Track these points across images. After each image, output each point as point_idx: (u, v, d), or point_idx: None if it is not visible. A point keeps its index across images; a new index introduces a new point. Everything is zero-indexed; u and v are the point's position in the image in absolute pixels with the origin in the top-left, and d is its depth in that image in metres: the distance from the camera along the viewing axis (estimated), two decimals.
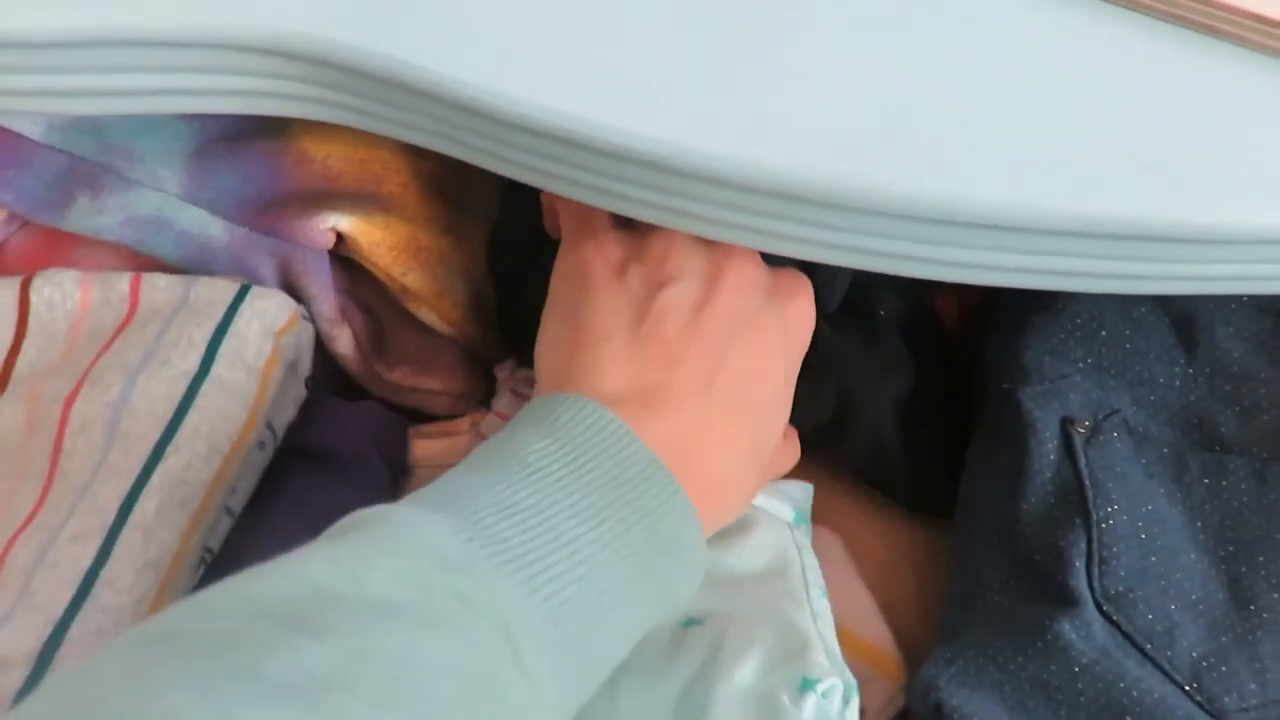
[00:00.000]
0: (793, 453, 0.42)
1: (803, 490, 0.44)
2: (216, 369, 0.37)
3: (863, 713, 0.42)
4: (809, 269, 0.39)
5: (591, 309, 0.35)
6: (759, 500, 0.42)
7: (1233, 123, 0.31)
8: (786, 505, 0.43)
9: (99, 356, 0.38)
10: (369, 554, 0.26)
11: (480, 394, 0.49)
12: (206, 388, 0.36)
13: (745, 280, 0.36)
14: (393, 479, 0.44)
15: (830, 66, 0.32)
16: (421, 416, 0.48)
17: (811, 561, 0.40)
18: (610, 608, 0.29)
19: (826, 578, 0.42)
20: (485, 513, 0.29)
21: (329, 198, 0.44)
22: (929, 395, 0.45)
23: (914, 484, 0.45)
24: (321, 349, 0.45)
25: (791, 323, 0.37)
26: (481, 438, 0.44)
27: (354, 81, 0.34)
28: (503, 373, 0.48)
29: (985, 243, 0.31)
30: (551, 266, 0.39)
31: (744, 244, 0.33)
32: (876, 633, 0.44)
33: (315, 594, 0.24)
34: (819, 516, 0.45)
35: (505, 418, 0.45)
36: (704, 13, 0.33)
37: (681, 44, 0.32)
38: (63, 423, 0.36)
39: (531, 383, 0.45)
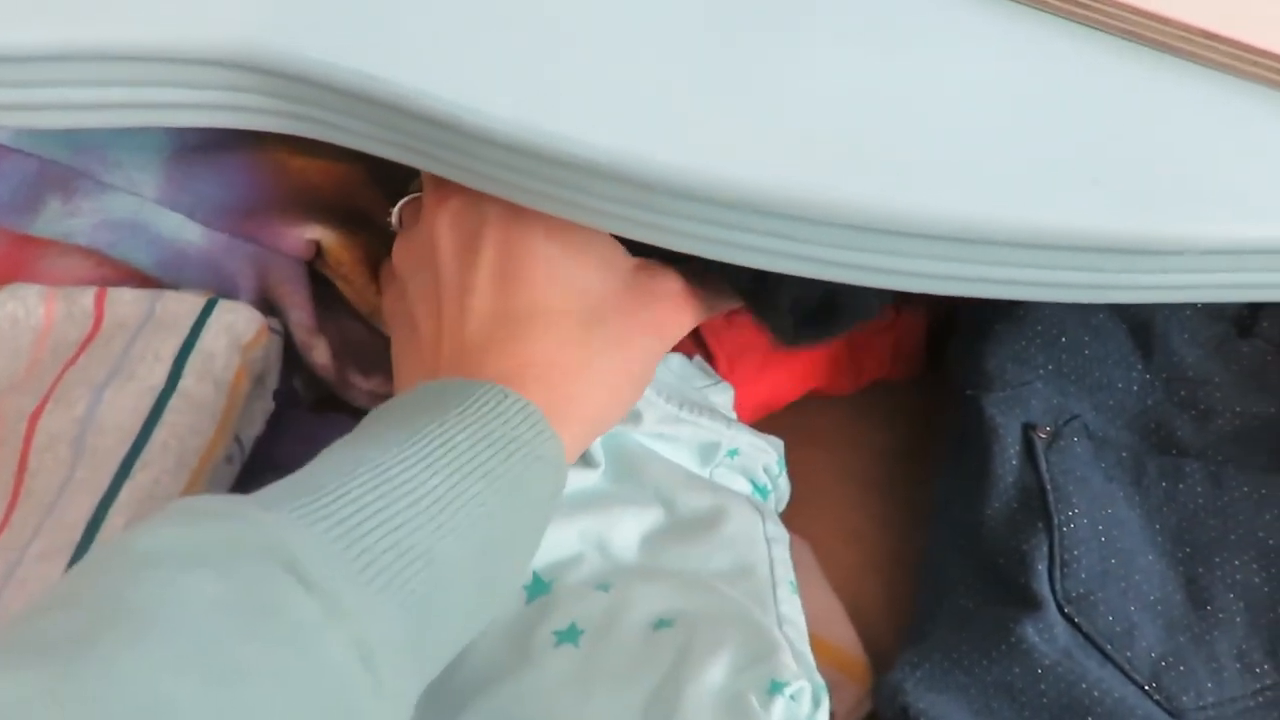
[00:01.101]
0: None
1: (777, 443, 0.45)
2: (184, 383, 0.37)
3: (831, 715, 0.43)
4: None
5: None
6: (744, 441, 0.43)
7: (1183, 137, 0.32)
8: (772, 451, 0.44)
9: (64, 372, 0.38)
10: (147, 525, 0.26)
11: None
12: (174, 402, 0.36)
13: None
14: None
15: (795, 84, 0.32)
16: None
17: (781, 555, 0.41)
18: (425, 517, 0.29)
19: (797, 583, 0.43)
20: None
21: (309, 208, 0.44)
22: None
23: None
24: (292, 360, 0.45)
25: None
26: None
27: (323, 96, 0.34)
28: None
29: (946, 254, 0.32)
30: None
31: (712, 255, 0.33)
32: (844, 637, 0.45)
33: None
34: (786, 522, 0.46)
35: None
36: (672, 31, 0.34)
37: (650, 60, 0.33)
38: (28, 440, 0.36)
39: None
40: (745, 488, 0.44)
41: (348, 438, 0.33)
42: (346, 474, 0.29)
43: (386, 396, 0.48)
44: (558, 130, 0.31)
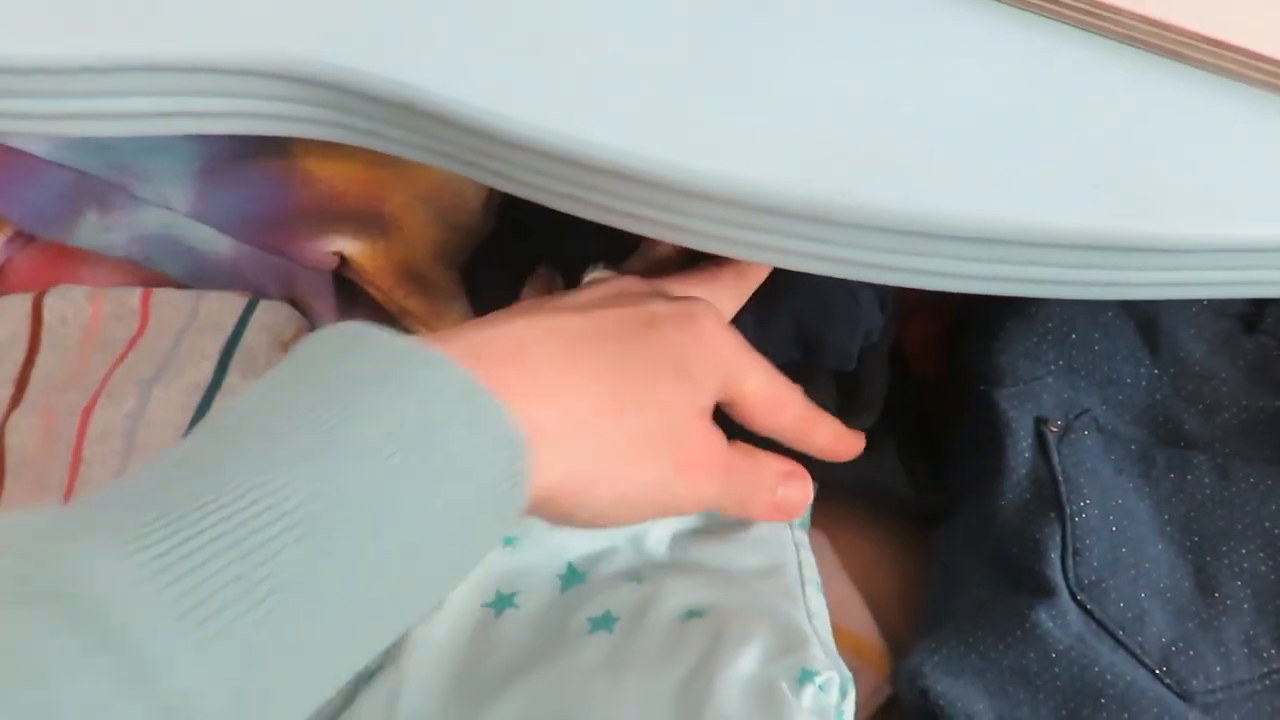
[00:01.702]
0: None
1: None
2: (229, 379, 0.39)
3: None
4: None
5: None
6: None
7: (1184, 140, 0.33)
8: None
9: (113, 369, 0.39)
10: None
11: None
12: (221, 398, 0.38)
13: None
14: None
15: (812, 91, 0.34)
16: None
17: (809, 559, 0.42)
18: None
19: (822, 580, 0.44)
20: None
21: (333, 218, 0.46)
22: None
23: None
24: None
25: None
26: None
27: (361, 104, 0.35)
28: None
29: (958, 253, 0.33)
30: None
31: (735, 255, 0.34)
32: (862, 625, 0.46)
33: None
34: None
35: None
36: (690, 36, 0.35)
37: (674, 69, 0.34)
38: (81, 433, 0.37)
39: None
40: None
41: (226, 410, 0.24)
42: (191, 489, 0.22)
43: None
44: (582, 135, 0.33)
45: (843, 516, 0.50)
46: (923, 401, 0.51)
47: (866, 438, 0.46)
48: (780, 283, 0.41)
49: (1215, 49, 0.34)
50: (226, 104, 0.37)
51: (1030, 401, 0.45)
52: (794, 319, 0.43)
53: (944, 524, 0.45)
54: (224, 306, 0.41)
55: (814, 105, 0.34)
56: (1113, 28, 0.35)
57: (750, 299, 0.44)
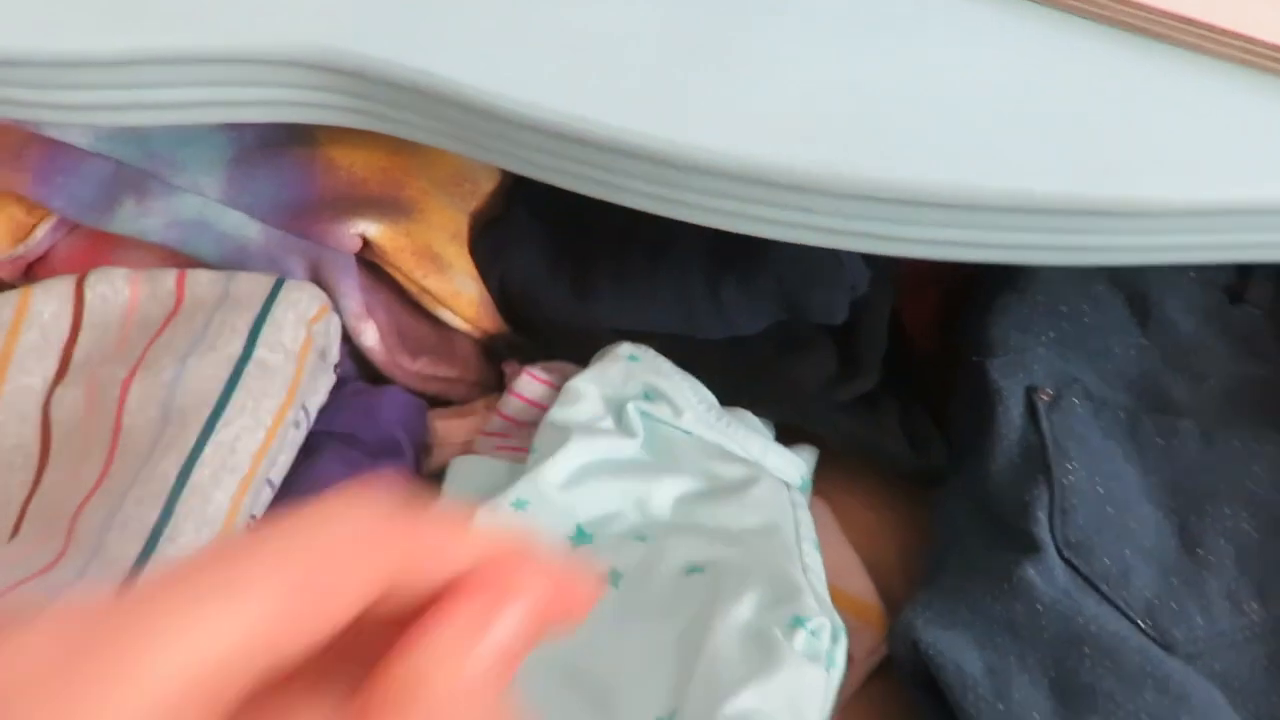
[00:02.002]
0: None
1: (811, 453, 0.48)
2: (258, 352, 0.41)
3: (850, 659, 0.46)
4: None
5: None
6: (772, 461, 0.46)
7: (1159, 111, 0.35)
8: (797, 471, 0.46)
9: (150, 344, 0.42)
10: None
11: (493, 382, 0.53)
12: (250, 369, 0.40)
13: None
14: (416, 457, 0.48)
15: (802, 69, 0.36)
16: (440, 403, 0.52)
17: (805, 518, 0.44)
18: None
19: (822, 545, 0.46)
20: None
21: (356, 203, 0.48)
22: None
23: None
24: (349, 342, 0.49)
25: None
26: (496, 415, 0.48)
27: (382, 91, 0.38)
28: (510, 368, 0.52)
29: (942, 220, 0.35)
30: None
31: (727, 227, 0.37)
32: (861, 587, 0.48)
33: None
34: None
35: (506, 418, 0.49)
36: (689, 23, 0.37)
37: (673, 50, 0.37)
38: (121, 402, 0.40)
39: (534, 377, 0.48)
40: (796, 479, 0.47)
41: None
42: None
43: (432, 378, 0.52)
44: (583, 113, 0.35)
45: (846, 486, 0.52)
46: (923, 374, 0.53)
47: (868, 402, 0.48)
48: (762, 248, 0.43)
49: (1186, 26, 0.36)
50: (256, 93, 0.40)
51: (1022, 371, 0.47)
52: (778, 281, 0.45)
53: (942, 488, 0.47)
54: (253, 286, 0.44)
55: (802, 82, 0.36)
56: (1089, 8, 0.37)
57: (733, 266, 0.46)
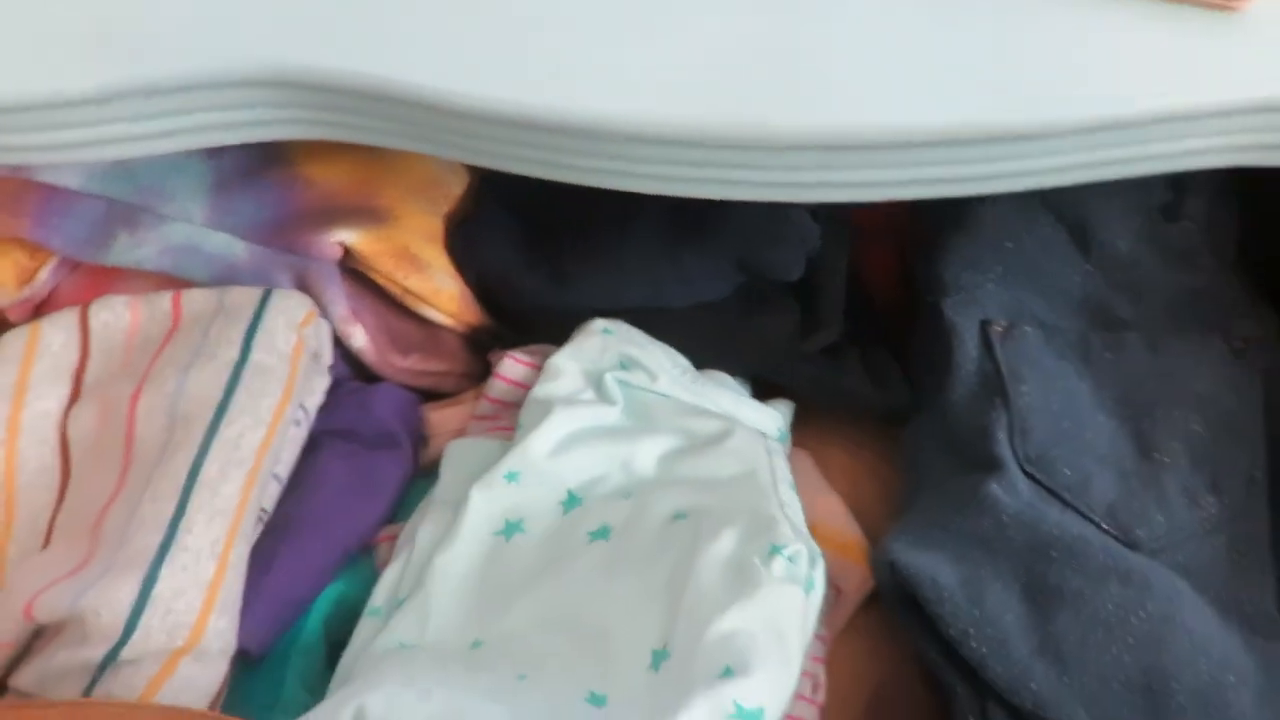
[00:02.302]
0: None
1: (787, 406, 0.51)
2: (254, 356, 0.44)
3: (839, 593, 0.48)
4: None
5: None
6: (749, 416, 0.48)
7: (1047, 42, 0.38)
8: (773, 423, 0.49)
9: (153, 361, 0.45)
10: None
11: (481, 372, 0.56)
12: (247, 371, 0.43)
13: None
14: (413, 447, 0.51)
15: (717, 28, 0.38)
16: (434, 396, 0.55)
17: (781, 463, 0.47)
18: None
19: (799, 487, 0.49)
20: None
21: (334, 215, 0.51)
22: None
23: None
24: (341, 345, 0.52)
25: None
26: (484, 400, 0.51)
27: (335, 99, 0.41)
28: (495, 357, 0.54)
29: (874, 161, 0.38)
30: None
31: (667, 191, 0.39)
32: (846, 527, 0.50)
33: None
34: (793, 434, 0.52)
35: (493, 401, 0.52)
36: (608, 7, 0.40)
37: (594, 27, 0.39)
38: (130, 416, 0.43)
39: (517, 360, 0.51)
40: (774, 430, 0.49)
41: None
42: None
43: (423, 372, 0.55)
44: (520, 98, 0.38)
45: (826, 437, 0.54)
46: (886, 322, 0.55)
47: (832, 351, 0.51)
48: (717, 215, 0.46)
49: None
50: (226, 116, 0.42)
51: (974, 306, 0.49)
52: (728, 245, 0.48)
53: (909, 425, 0.50)
54: (244, 298, 0.47)
55: (718, 41, 0.38)
56: None
57: (692, 236, 0.49)
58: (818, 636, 0.43)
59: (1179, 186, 0.50)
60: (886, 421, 0.50)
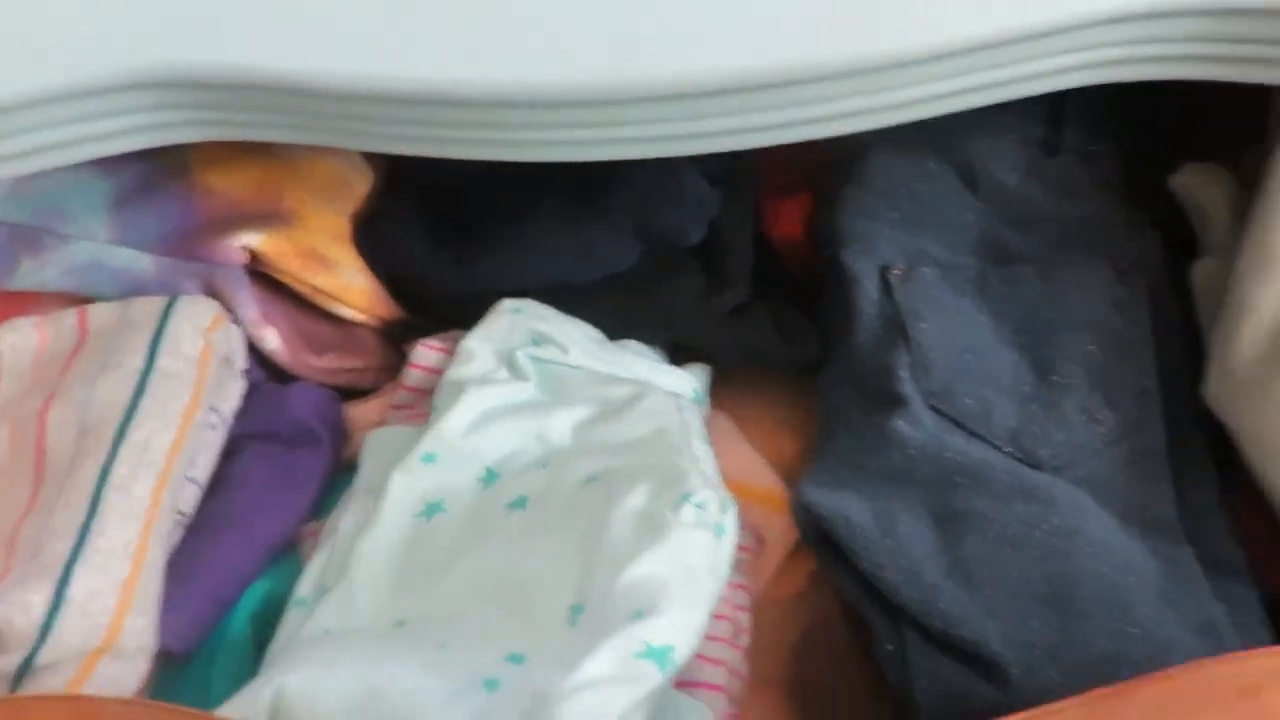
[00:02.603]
0: None
1: (703, 370, 0.52)
2: (159, 363, 0.44)
3: (763, 543, 0.49)
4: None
5: None
6: (664, 380, 0.49)
7: None
8: (688, 385, 0.50)
9: (61, 375, 0.45)
10: None
11: (399, 365, 0.56)
12: (153, 377, 0.44)
13: None
14: (334, 444, 0.51)
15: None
16: (357, 394, 0.55)
17: (694, 421, 0.47)
18: None
19: (718, 445, 0.49)
20: None
21: (237, 221, 0.52)
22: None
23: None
24: (257, 349, 0.52)
25: None
26: (400, 389, 0.51)
27: (218, 96, 0.41)
28: (409, 347, 0.55)
29: (726, 109, 0.38)
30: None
31: (545, 158, 0.40)
32: (767, 480, 0.51)
33: None
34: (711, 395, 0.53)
35: (410, 389, 0.52)
36: None
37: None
38: (41, 430, 0.43)
39: (430, 347, 0.52)
40: (689, 392, 0.50)
41: None
42: None
43: (340, 370, 0.55)
44: (386, 71, 0.38)
45: (746, 399, 0.55)
46: (797, 279, 0.56)
47: (742, 311, 0.52)
48: (610, 184, 0.46)
49: None
50: (113, 124, 0.43)
51: (872, 254, 0.50)
52: (625, 215, 0.49)
53: (820, 375, 0.50)
54: (149, 307, 0.47)
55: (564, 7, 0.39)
56: None
57: (589, 208, 0.50)
58: (740, 585, 0.44)
59: (1055, 122, 0.52)
60: (800, 374, 0.51)
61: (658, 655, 0.34)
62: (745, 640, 0.42)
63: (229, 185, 0.53)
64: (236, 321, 0.51)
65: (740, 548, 0.46)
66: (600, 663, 0.33)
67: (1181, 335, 0.47)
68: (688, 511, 0.40)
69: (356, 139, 0.42)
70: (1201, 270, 0.47)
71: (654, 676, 0.33)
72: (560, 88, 0.37)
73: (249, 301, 0.51)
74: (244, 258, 0.51)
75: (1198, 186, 0.48)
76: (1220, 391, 0.42)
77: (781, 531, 0.49)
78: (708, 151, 0.40)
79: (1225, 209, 0.46)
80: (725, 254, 0.52)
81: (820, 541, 0.44)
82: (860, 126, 0.40)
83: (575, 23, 0.39)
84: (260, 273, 0.53)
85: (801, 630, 0.45)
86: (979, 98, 0.40)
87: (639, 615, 0.35)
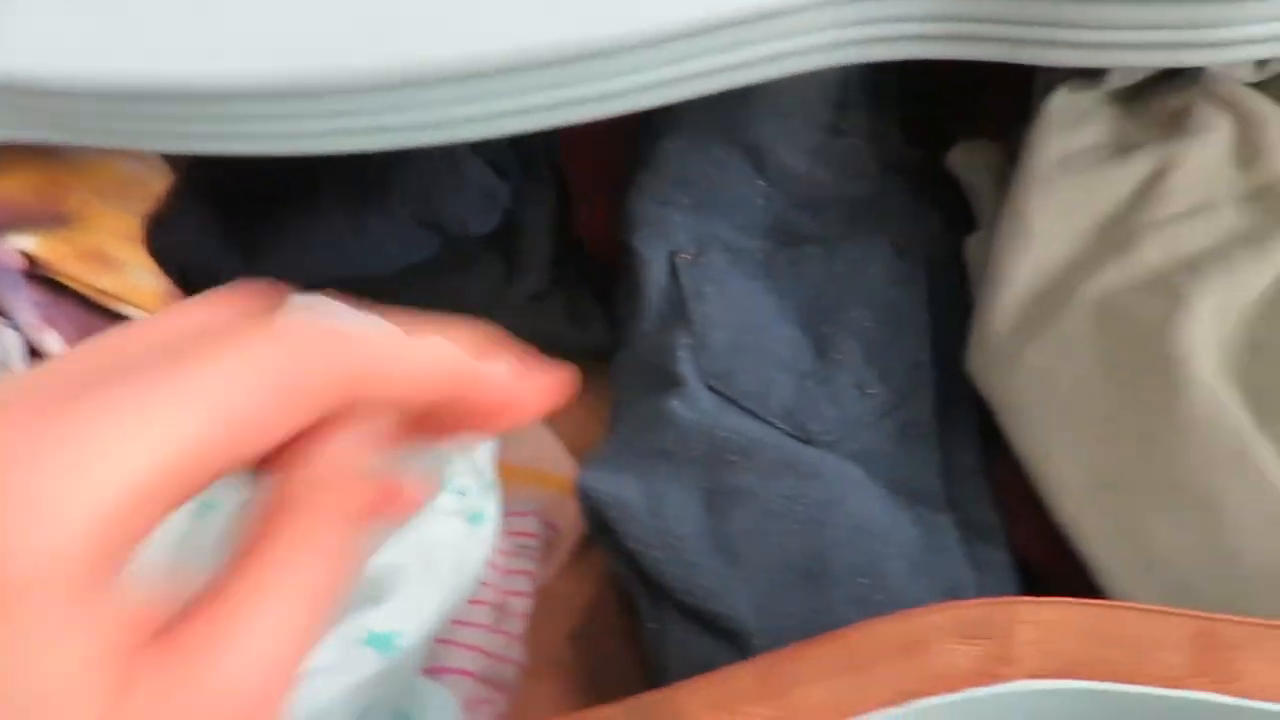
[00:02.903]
0: None
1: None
2: None
3: (557, 529, 0.49)
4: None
5: None
6: None
7: None
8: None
9: None
10: None
11: None
12: None
13: None
14: None
15: None
16: None
17: None
18: None
19: (519, 433, 0.49)
20: None
21: (13, 224, 0.50)
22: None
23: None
24: (40, 354, 0.51)
25: None
26: None
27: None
28: None
29: (498, 90, 0.39)
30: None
31: (344, 149, 0.39)
32: (565, 467, 0.51)
33: None
34: None
35: None
36: None
37: None
38: None
39: None
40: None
41: None
42: None
43: None
44: (132, 68, 0.38)
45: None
46: (602, 267, 0.56)
47: (539, 298, 0.52)
48: (391, 175, 0.46)
49: None
50: None
51: (663, 240, 0.50)
52: (403, 204, 0.48)
53: (612, 361, 0.51)
54: None
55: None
56: None
57: (371, 198, 0.49)
58: (520, 571, 0.44)
59: (840, 105, 0.53)
60: (588, 359, 0.51)
61: (380, 641, 0.34)
62: (517, 625, 0.42)
63: (5, 188, 0.51)
64: (13, 327, 0.49)
65: (527, 534, 0.46)
66: (325, 652, 0.33)
67: (960, 310, 0.48)
68: (445, 499, 0.40)
69: (111, 137, 0.41)
70: (974, 244, 0.48)
71: (374, 662, 0.33)
72: (319, 77, 0.37)
73: (26, 305, 0.50)
74: (19, 261, 0.50)
75: (967, 164, 0.49)
76: (978, 362, 0.43)
77: (573, 519, 0.49)
78: (461, 140, 0.40)
79: (992, 185, 0.47)
80: (523, 242, 0.52)
81: (597, 524, 0.44)
82: (611, 110, 0.40)
83: (334, 9, 0.38)
84: (42, 276, 0.51)
85: (580, 615, 0.45)
86: (721, 80, 0.40)
87: (370, 603, 0.35)
